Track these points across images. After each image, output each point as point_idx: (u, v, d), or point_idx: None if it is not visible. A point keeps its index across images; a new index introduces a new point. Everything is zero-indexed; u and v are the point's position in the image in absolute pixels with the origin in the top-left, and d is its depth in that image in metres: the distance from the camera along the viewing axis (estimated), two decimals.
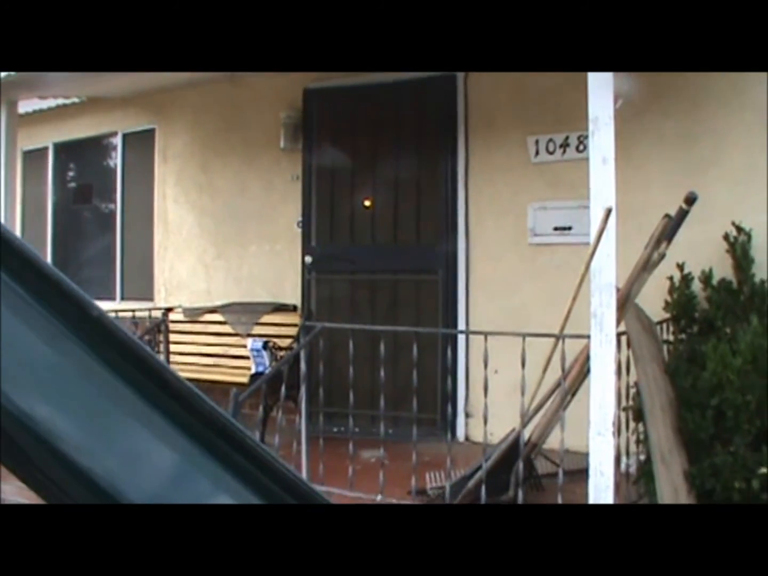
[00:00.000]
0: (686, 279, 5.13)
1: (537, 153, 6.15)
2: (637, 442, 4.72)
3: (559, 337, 4.42)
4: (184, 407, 0.48)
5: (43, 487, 0.46)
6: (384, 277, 6.76)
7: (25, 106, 7.61)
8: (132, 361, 0.47)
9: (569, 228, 5.97)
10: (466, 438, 6.37)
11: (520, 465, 4.48)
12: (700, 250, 5.19)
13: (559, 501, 4.28)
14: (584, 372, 4.43)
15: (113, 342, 0.46)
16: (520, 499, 4.40)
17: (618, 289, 4.24)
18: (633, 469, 4.81)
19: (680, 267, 5.13)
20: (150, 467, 0.47)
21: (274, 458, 0.50)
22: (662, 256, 4.52)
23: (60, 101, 8.52)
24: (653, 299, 4.93)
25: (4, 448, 0.45)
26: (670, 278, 5.12)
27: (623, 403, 4.66)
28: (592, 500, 4.11)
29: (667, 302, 5.10)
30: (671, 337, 5.04)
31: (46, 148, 9.28)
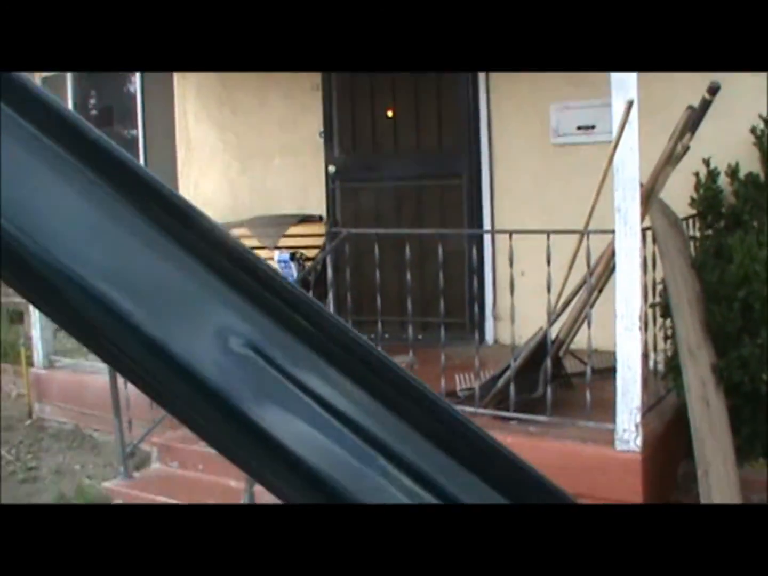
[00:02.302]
0: (712, 174, 5.08)
1: None
2: (665, 337, 4.74)
3: (584, 233, 4.41)
4: (232, 261, 0.43)
5: (107, 351, 0.44)
6: (408, 184, 6.74)
7: None
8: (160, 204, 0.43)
9: (593, 127, 5.90)
10: (495, 341, 6.42)
11: (549, 363, 4.52)
12: (726, 145, 5.12)
13: (588, 398, 4.32)
14: (610, 268, 4.44)
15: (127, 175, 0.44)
16: (549, 397, 4.45)
17: (642, 185, 4.21)
18: (661, 366, 4.84)
19: (706, 162, 5.07)
20: (207, 322, 0.41)
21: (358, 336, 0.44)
22: (686, 149, 4.47)
23: None
24: (679, 196, 4.89)
25: (67, 316, 0.43)
26: (696, 174, 5.07)
27: (650, 300, 4.67)
28: (620, 395, 4.15)
29: (693, 198, 5.06)
30: (698, 233, 5.02)
31: (64, 74, 9.22)
